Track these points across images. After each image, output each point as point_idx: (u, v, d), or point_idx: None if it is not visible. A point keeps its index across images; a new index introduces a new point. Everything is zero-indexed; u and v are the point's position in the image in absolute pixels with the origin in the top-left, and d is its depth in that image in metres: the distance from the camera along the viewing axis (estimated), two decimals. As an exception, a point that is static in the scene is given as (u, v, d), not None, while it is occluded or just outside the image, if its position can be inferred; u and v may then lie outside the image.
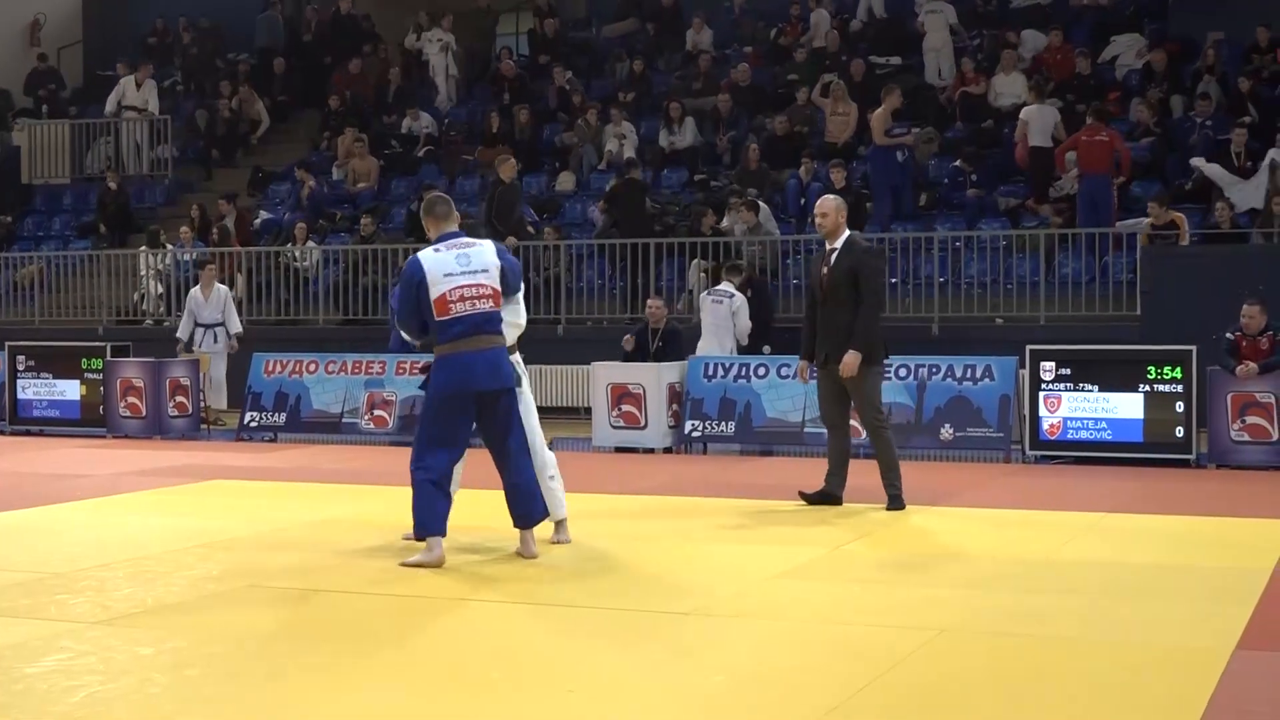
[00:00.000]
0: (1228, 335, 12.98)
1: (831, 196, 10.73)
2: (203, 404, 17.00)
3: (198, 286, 17.60)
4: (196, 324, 17.40)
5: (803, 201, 18.82)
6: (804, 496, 10.50)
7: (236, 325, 17.62)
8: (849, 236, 10.33)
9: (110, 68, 25.65)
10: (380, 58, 24.68)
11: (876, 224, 17.95)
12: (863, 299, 10.14)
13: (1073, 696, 5.66)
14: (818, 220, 10.39)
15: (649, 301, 15.55)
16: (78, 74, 27.77)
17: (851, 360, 10.05)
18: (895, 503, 10.29)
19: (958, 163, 18.91)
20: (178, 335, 17.44)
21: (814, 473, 12.44)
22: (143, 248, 20.93)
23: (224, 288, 17.89)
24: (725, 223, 18.00)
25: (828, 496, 10.47)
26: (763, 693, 5.75)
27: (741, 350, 15.34)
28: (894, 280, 17.23)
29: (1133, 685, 5.78)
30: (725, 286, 15.66)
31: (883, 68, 21.45)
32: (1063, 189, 17.81)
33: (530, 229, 18.61)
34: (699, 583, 7.79)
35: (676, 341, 14.97)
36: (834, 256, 10.21)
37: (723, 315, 15.46)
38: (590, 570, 8.27)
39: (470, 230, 8.94)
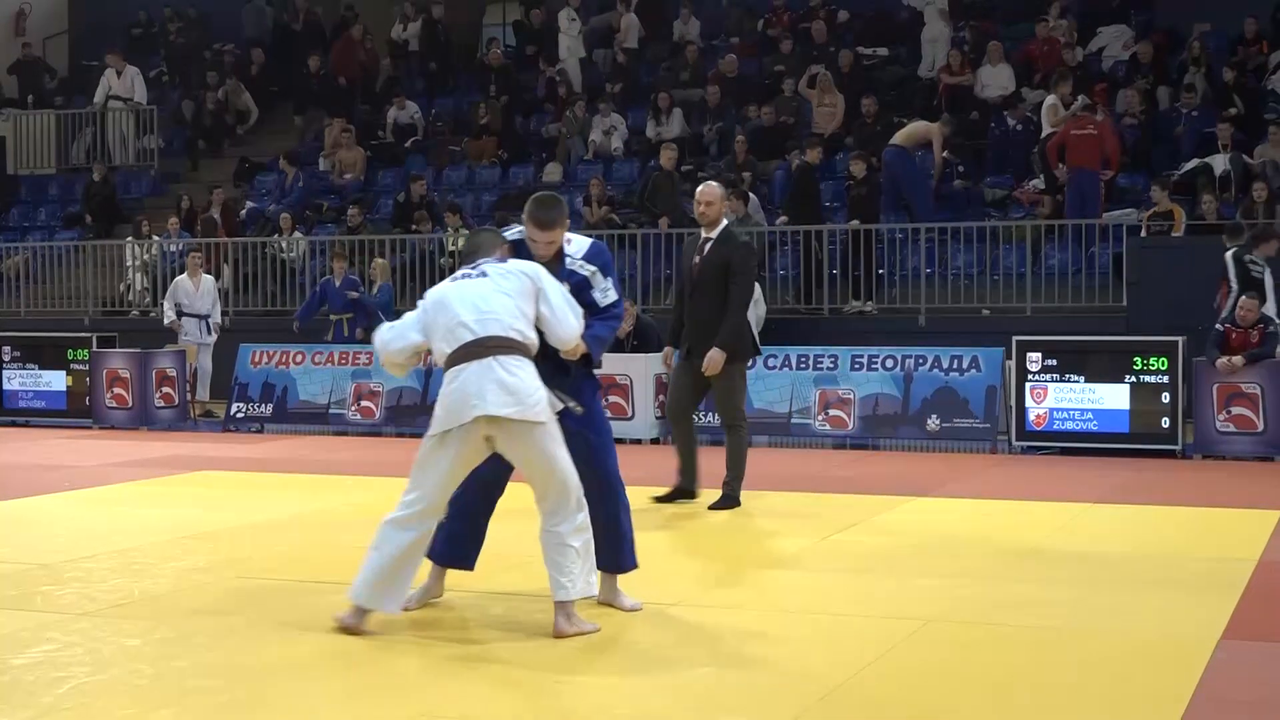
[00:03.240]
0: (1217, 326, 13.01)
1: (716, 185, 10.22)
2: (190, 395, 16.99)
3: (184, 275, 17.52)
4: (185, 314, 17.31)
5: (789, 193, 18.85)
6: (657, 499, 10.08)
7: (217, 316, 17.59)
8: (725, 227, 9.96)
9: (96, 58, 25.56)
10: (366, 47, 24.60)
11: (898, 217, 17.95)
12: (730, 295, 9.79)
13: (1058, 687, 5.68)
14: (702, 208, 9.87)
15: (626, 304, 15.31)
16: (63, 64, 27.69)
17: (717, 357, 9.72)
18: (728, 501, 9.94)
19: (945, 154, 18.93)
20: (166, 323, 17.35)
21: (800, 464, 12.48)
22: (129, 238, 20.88)
23: (210, 278, 17.85)
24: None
25: (683, 492, 10.17)
26: (751, 683, 5.76)
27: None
28: (881, 271, 17.26)
29: (1118, 675, 5.80)
30: None
31: (870, 59, 21.46)
32: (1041, 184, 17.83)
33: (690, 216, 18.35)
34: (688, 573, 7.80)
35: (650, 335, 14.87)
36: (708, 246, 9.87)
37: None
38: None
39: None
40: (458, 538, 6.84)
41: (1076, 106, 17.64)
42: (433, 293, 6.53)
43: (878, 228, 17.24)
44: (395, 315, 16.00)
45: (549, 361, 6.48)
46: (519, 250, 6.74)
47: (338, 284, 16.88)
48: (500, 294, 6.33)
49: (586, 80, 22.74)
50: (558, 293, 6.48)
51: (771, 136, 19.73)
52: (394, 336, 6.58)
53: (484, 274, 6.42)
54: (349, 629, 6.39)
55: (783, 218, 17.80)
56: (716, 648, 6.31)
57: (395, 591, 6.40)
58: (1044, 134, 18.02)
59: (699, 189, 10.08)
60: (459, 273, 6.57)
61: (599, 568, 6.67)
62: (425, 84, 24.09)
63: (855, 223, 17.09)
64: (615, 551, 6.85)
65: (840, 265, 17.27)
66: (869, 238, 17.04)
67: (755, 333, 13.35)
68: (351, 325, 16.69)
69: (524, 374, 6.21)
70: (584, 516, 6.41)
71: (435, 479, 6.29)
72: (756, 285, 15.68)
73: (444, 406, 6.24)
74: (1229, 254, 14.02)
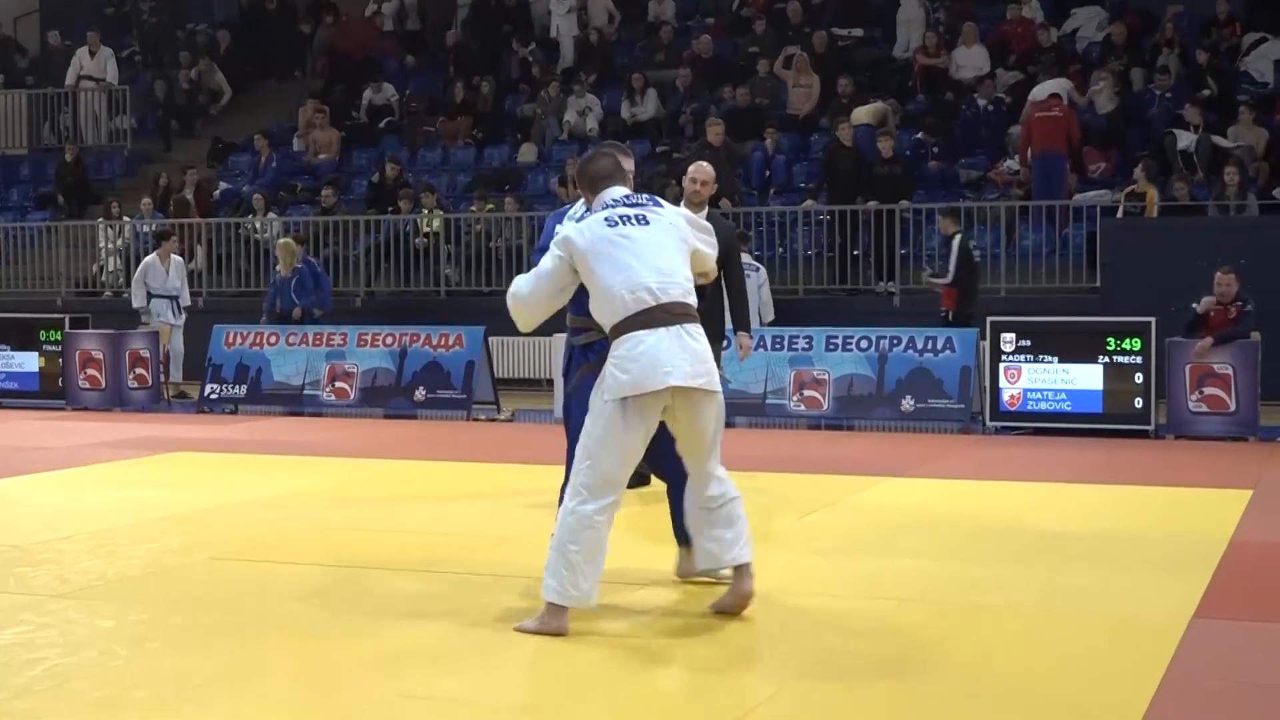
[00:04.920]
0: (1194, 306, 13.06)
1: (708, 165, 9.98)
2: (162, 376, 16.94)
3: (153, 256, 17.43)
4: (153, 295, 17.23)
5: (767, 174, 18.86)
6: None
7: (186, 297, 17.53)
8: (711, 211, 9.85)
9: (68, 37, 25.42)
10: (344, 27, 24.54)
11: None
12: (732, 278, 9.76)
13: (1032, 666, 5.71)
14: (698, 187, 9.47)
15: None
16: (35, 43, 27.52)
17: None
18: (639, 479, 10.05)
19: (919, 135, 18.94)
20: (135, 307, 17.29)
21: (775, 444, 12.49)
22: (101, 219, 20.78)
23: (178, 258, 17.76)
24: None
25: (639, 478, 10.22)
26: (727, 664, 5.78)
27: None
28: (856, 253, 17.27)
29: (1091, 654, 5.83)
30: (746, 259, 15.47)
31: (845, 39, 21.45)
32: (1016, 165, 17.86)
33: (739, 193, 18.07)
34: (661, 554, 7.79)
35: None
36: None
37: (751, 289, 15.31)
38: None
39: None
40: None
41: (1039, 90, 17.70)
42: (582, 237, 6.04)
43: (851, 209, 17.24)
44: (315, 296, 15.71)
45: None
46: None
47: (284, 275, 16.77)
48: (674, 250, 6.08)
49: (561, 61, 22.69)
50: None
51: (746, 117, 19.71)
52: (535, 292, 6.11)
53: (646, 221, 6.08)
54: (553, 632, 5.98)
55: (808, 201, 17.61)
56: (691, 629, 6.31)
57: (596, 581, 6.02)
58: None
59: (696, 168, 9.91)
60: (611, 210, 6.10)
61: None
62: (399, 64, 24.02)
63: (873, 203, 16.95)
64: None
65: (822, 247, 17.28)
66: (851, 218, 17.05)
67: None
68: (301, 303, 16.62)
69: (705, 342, 6.04)
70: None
71: (620, 454, 5.94)
72: (762, 267, 15.71)
73: (627, 371, 5.85)
74: (955, 239, 14.87)
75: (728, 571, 6.47)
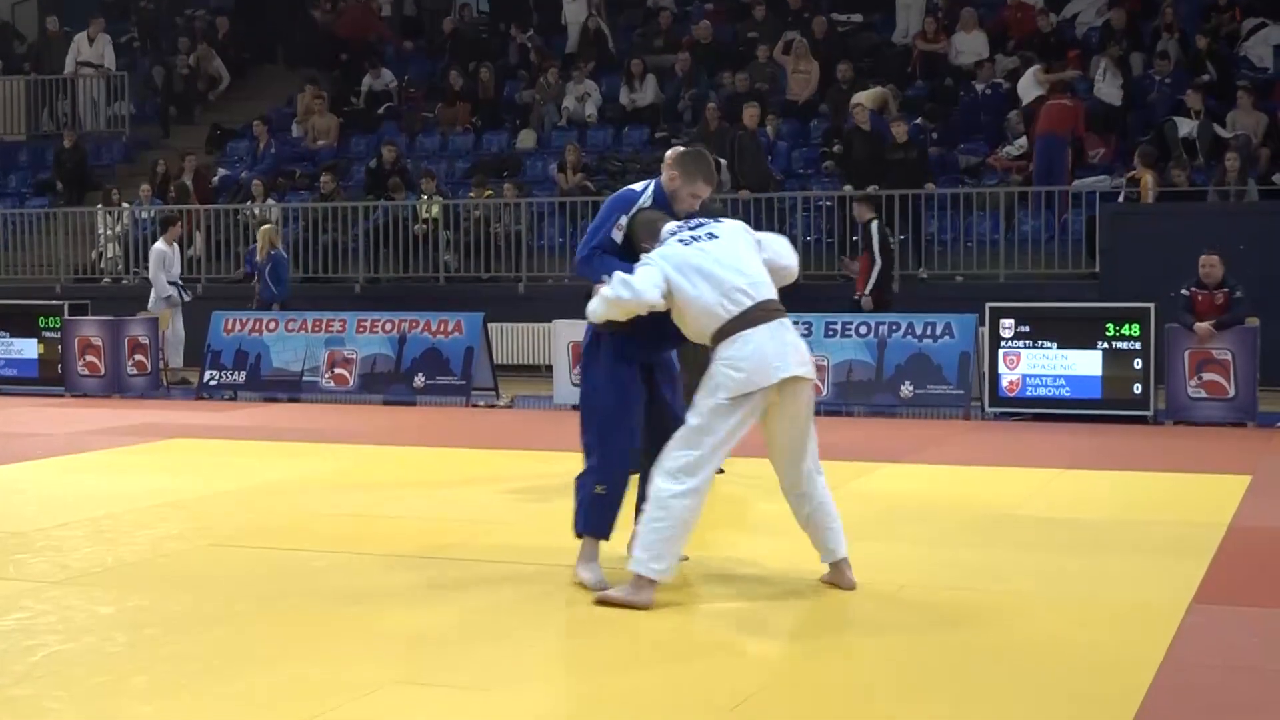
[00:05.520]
0: (1183, 292, 13.07)
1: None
2: (162, 362, 16.94)
3: (163, 243, 17.42)
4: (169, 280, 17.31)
5: (770, 159, 18.80)
6: None
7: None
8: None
9: (66, 23, 25.37)
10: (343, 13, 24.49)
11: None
12: None
13: (1030, 651, 5.71)
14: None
15: None
16: (33, 30, 27.46)
17: None
18: None
19: (919, 120, 18.92)
20: (164, 296, 17.19)
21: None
22: (100, 206, 20.77)
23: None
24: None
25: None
26: (723, 650, 5.78)
27: None
28: (855, 239, 17.24)
29: (1090, 639, 5.84)
30: None
31: (844, 25, 21.42)
32: (1021, 148, 17.84)
33: (775, 180, 17.99)
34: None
35: None
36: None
37: None
38: (553, 529, 8.28)
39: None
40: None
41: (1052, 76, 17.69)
42: (669, 258, 6.33)
43: (848, 194, 17.23)
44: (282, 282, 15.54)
45: None
46: (657, 199, 6.74)
47: (259, 260, 16.90)
48: (750, 255, 6.42)
49: (567, 46, 22.64)
50: (765, 236, 6.71)
51: (745, 103, 19.65)
52: (635, 294, 6.26)
53: (715, 235, 6.41)
54: (641, 604, 6.17)
55: (848, 185, 17.52)
56: (684, 613, 6.32)
57: (678, 559, 6.35)
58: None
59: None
60: (679, 234, 6.43)
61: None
62: (397, 50, 23.99)
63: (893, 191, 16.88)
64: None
65: (822, 233, 17.26)
66: (843, 205, 17.04)
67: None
68: (263, 293, 16.68)
69: (797, 334, 6.42)
70: None
71: (720, 442, 6.26)
72: None
73: (741, 369, 6.18)
74: (872, 224, 15.15)
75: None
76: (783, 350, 6.25)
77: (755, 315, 6.24)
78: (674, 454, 6.25)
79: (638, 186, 6.88)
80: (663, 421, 6.65)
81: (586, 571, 6.67)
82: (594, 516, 6.65)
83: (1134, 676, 5.26)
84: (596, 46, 22.26)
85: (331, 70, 23.36)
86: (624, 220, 6.70)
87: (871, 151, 17.28)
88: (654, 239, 6.53)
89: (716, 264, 6.29)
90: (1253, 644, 5.82)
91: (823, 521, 6.54)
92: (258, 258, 16.96)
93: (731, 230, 6.50)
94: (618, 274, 6.38)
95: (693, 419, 6.28)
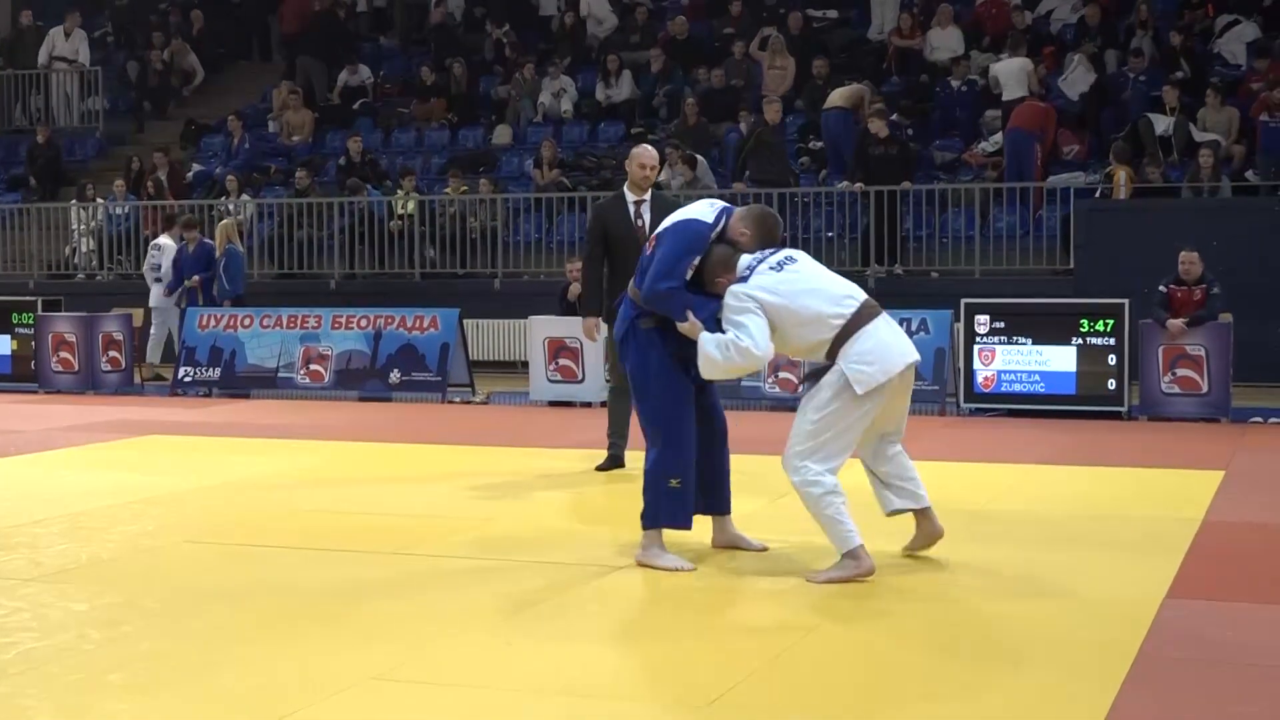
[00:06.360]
0: (1160, 288, 13.12)
1: (654, 149, 10.01)
2: (136, 358, 16.87)
3: (166, 238, 17.34)
4: (159, 278, 17.25)
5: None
6: (599, 469, 10.13)
7: None
8: (655, 192, 9.84)
9: (39, 18, 25.26)
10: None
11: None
12: None
13: (1005, 646, 5.74)
14: (648, 171, 9.64)
15: (569, 264, 15.09)
16: (5, 24, 27.33)
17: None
18: (614, 462, 10.15)
19: (894, 117, 18.95)
20: (178, 294, 17.15)
21: (751, 427, 12.48)
22: (73, 201, 20.69)
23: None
24: (663, 176, 17.96)
25: (616, 461, 10.18)
26: (701, 644, 5.79)
27: None
28: (830, 234, 17.28)
29: (1064, 635, 5.85)
30: None
31: (820, 21, 21.45)
32: (996, 144, 17.88)
33: (794, 175, 17.90)
34: (637, 537, 7.80)
35: None
36: (645, 209, 9.59)
37: None
38: (529, 525, 8.28)
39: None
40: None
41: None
42: (774, 294, 6.64)
43: (826, 190, 17.25)
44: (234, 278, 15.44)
45: None
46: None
47: (191, 251, 16.80)
48: (827, 269, 6.96)
49: (529, 41, 22.62)
50: None
51: (722, 99, 19.70)
52: (762, 355, 6.68)
53: (794, 258, 6.83)
54: (866, 571, 6.65)
55: (846, 182, 17.52)
56: (665, 609, 6.33)
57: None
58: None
59: (643, 151, 9.86)
60: (765, 261, 6.74)
61: (710, 511, 7.23)
62: (371, 46, 23.94)
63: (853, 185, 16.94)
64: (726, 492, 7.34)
65: (798, 229, 17.24)
66: (820, 200, 17.06)
67: None
68: (206, 290, 16.61)
69: None
70: None
71: (859, 434, 6.77)
72: None
73: (871, 363, 6.60)
74: None
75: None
76: (899, 340, 6.81)
77: (866, 313, 6.70)
78: (812, 444, 6.68)
79: (707, 217, 6.92)
80: (709, 414, 7.11)
81: (665, 560, 6.92)
82: (676, 510, 6.91)
83: (1109, 670, 5.28)
84: (573, 41, 22.26)
85: (297, 68, 23.25)
86: (696, 261, 6.83)
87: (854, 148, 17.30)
88: (729, 272, 6.76)
89: (816, 279, 6.77)
90: (1226, 638, 5.84)
91: (904, 474, 7.05)
92: (216, 253, 16.83)
93: (800, 253, 6.97)
94: (733, 341, 6.58)
95: (825, 411, 6.65)
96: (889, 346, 6.70)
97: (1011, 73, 17.95)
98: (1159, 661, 5.46)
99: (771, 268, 6.72)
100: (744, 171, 17.47)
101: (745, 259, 6.79)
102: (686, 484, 6.89)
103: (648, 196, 9.74)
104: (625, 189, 9.83)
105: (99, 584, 6.79)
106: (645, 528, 6.98)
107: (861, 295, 6.80)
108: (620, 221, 9.67)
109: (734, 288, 6.68)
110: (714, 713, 4.93)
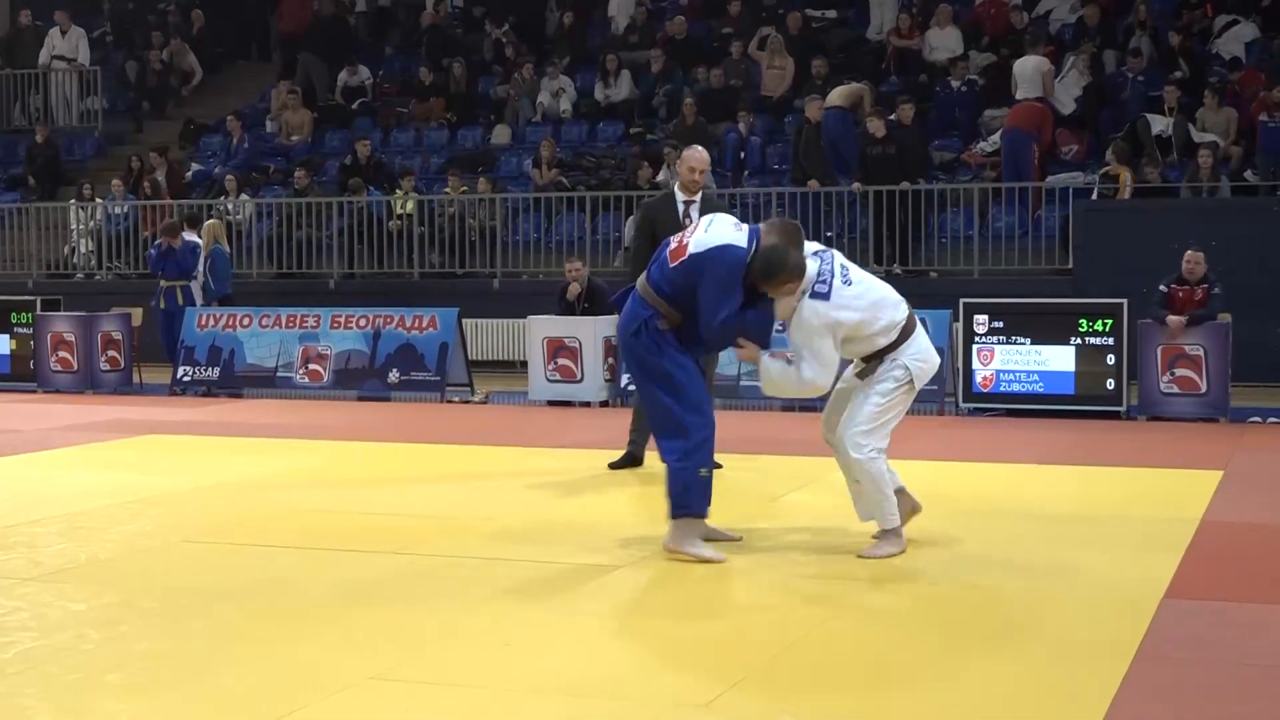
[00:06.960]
0: (1161, 288, 13.12)
1: (703, 151, 10.02)
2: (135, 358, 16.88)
3: (194, 235, 17.30)
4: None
5: (742, 155, 18.82)
6: (612, 466, 10.15)
7: None
8: (705, 192, 9.92)
9: (38, 17, 25.26)
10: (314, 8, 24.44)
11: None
12: None
13: (1003, 645, 5.74)
14: (697, 175, 9.73)
15: (568, 264, 15.12)
16: (4, 24, 27.32)
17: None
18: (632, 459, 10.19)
19: (893, 116, 18.94)
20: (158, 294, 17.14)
21: (751, 426, 12.50)
22: (72, 201, 20.68)
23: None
24: (662, 176, 17.96)
25: (633, 459, 10.19)
26: (703, 641, 5.79)
27: None
28: (830, 234, 17.28)
29: (1062, 633, 5.86)
30: None
31: (819, 21, 21.44)
32: (995, 144, 17.87)
33: (832, 175, 17.80)
34: (641, 534, 7.81)
35: (601, 297, 14.79)
36: (694, 209, 9.61)
37: None
38: (528, 525, 8.28)
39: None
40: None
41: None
42: (851, 311, 7.06)
43: (825, 191, 17.24)
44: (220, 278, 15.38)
45: None
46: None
47: (176, 248, 16.79)
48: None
49: (534, 43, 22.62)
50: None
51: (720, 99, 19.70)
52: (828, 380, 7.15)
53: (846, 266, 7.25)
54: (899, 551, 7.20)
55: (854, 184, 17.48)
56: (670, 606, 6.33)
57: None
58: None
59: (692, 154, 9.86)
60: (829, 269, 7.09)
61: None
62: (372, 46, 23.93)
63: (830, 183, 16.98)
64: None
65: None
66: (813, 200, 17.05)
67: None
68: (186, 292, 16.59)
69: None
70: None
71: (897, 416, 7.33)
72: None
73: (925, 361, 7.33)
74: None
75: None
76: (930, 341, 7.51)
77: (912, 317, 7.35)
78: (868, 430, 7.20)
79: (741, 243, 7.07)
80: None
81: (701, 550, 7.13)
82: (705, 497, 7.14)
83: (1107, 670, 5.28)
84: (572, 41, 22.26)
85: (295, 68, 23.26)
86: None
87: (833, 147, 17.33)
88: (770, 278, 6.95)
89: (877, 287, 7.30)
90: (1225, 638, 5.84)
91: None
92: (202, 253, 16.80)
93: (839, 254, 7.37)
94: (798, 375, 7.05)
95: (878, 399, 7.21)
96: (931, 348, 7.44)
97: (1025, 72, 17.92)
98: (1158, 661, 5.46)
99: (845, 281, 7.13)
100: (799, 169, 17.65)
101: (812, 268, 7.06)
102: (711, 473, 7.18)
103: (698, 198, 9.81)
104: (675, 189, 9.92)
105: (97, 584, 6.79)
106: (675, 517, 7.15)
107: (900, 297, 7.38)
108: (670, 221, 9.63)
109: (815, 305, 7.00)
110: (714, 712, 4.93)
